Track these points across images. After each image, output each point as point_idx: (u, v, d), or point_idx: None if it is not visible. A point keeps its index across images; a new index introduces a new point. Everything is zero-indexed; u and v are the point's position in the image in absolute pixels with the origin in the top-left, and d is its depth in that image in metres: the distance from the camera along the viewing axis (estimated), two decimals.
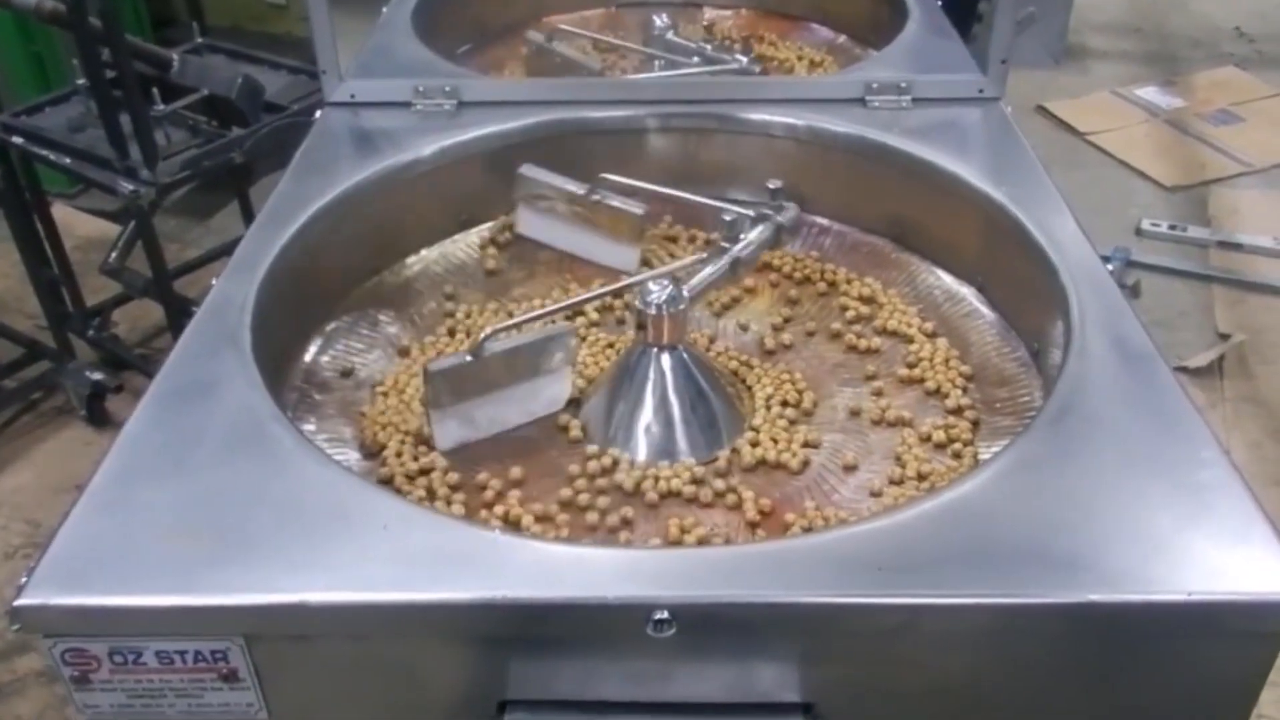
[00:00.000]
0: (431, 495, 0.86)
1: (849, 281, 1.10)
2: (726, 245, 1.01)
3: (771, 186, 1.06)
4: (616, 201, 1.09)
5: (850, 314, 1.06)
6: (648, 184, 1.09)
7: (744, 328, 1.06)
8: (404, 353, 1.03)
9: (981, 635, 0.67)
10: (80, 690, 0.68)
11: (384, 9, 1.43)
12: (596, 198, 1.09)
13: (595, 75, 1.42)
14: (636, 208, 1.09)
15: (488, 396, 0.90)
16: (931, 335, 1.03)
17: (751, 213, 1.04)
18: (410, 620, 0.66)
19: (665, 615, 0.64)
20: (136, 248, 1.98)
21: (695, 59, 1.43)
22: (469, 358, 0.88)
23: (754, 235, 1.02)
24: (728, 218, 1.02)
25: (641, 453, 0.90)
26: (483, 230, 1.18)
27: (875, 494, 0.87)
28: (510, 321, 0.92)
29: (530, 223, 1.15)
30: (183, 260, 2.40)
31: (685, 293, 0.92)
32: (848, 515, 0.84)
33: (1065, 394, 0.79)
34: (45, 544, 0.68)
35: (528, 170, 1.13)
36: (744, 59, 1.42)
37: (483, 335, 0.88)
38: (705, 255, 1.00)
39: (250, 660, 0.66)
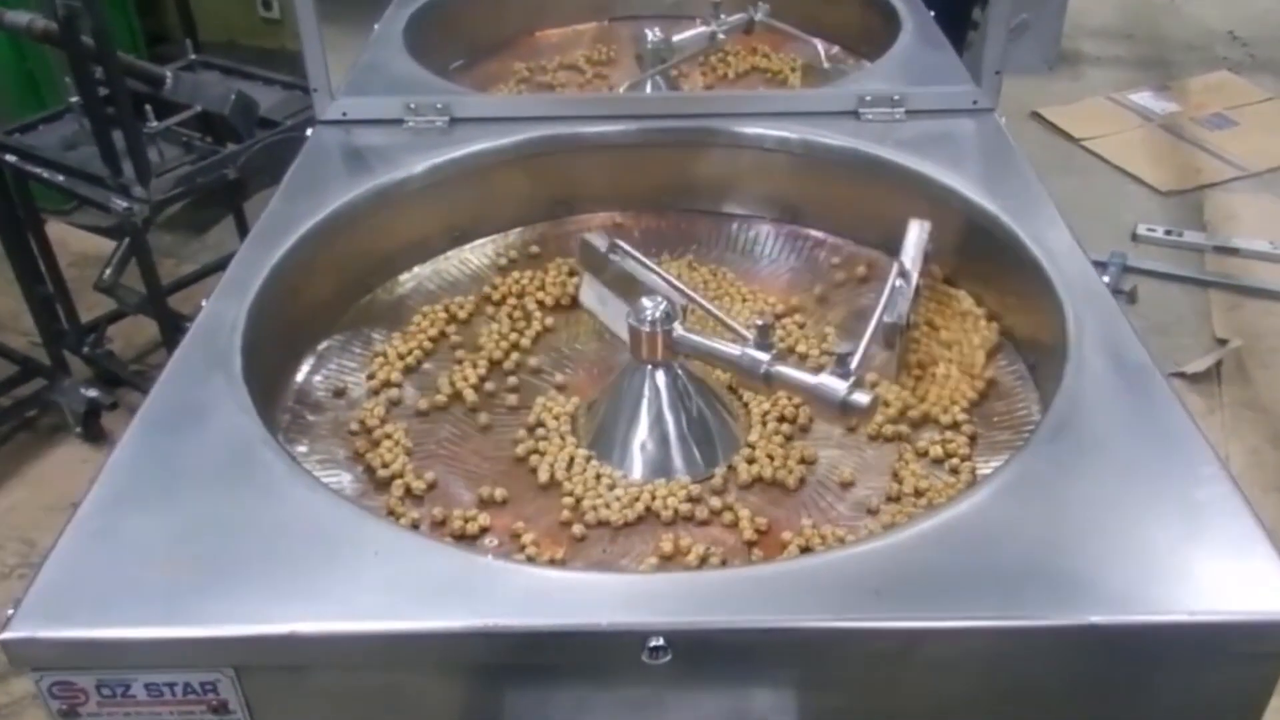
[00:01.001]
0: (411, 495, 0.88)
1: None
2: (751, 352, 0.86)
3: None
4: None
5: None
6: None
7: None
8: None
9: (981, 658, 0.67)
10: None
11: (375, 25, 1.43)
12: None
13: None
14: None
15: (612, 292, 1.00)
16: None
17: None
18: (402, 650, 0.66)
19: (660, 642, 0.63)
20: (131, 264, 1.97)
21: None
22: (603, 247, 1.00)
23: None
24: (761, 321, 0.86)
25: (637, 471, 0.89)
26: (485, 247, 1.17)
27: (872, 511, 0.86)
28: (629, 248, 0.98)
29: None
30: (178, 276, 2.39)
31: (680, 327, 0.89)
32: (845, 534, 0.83)
33: (1062, 409, 0.79)
34: (33, 574, 0.67)
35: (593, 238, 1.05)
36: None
37: (609, 239, 0.99)
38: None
39: (241, 692, 0.65)
